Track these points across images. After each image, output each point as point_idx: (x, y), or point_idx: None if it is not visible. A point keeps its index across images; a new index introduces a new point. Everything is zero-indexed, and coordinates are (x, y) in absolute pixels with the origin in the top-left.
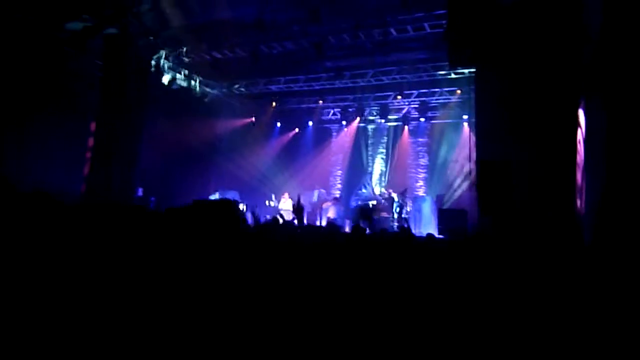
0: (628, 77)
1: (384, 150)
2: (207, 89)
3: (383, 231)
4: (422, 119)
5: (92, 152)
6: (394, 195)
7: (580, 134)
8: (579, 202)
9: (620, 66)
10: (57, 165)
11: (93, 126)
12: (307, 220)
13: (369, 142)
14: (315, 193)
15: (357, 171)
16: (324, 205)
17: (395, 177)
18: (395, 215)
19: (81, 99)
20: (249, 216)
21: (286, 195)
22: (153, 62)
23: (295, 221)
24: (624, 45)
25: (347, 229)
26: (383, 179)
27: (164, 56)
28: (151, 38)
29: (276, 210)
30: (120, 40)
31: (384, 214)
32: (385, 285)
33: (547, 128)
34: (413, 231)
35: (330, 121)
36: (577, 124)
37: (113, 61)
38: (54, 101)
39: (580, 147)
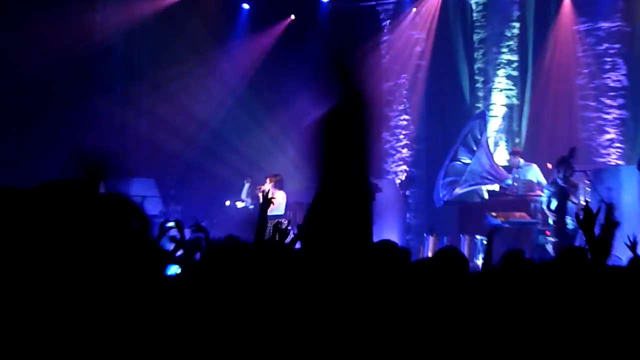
0: None
1: (514, 58)
2: None
3: (517, 256)
4: None
5: None
6: (535, 170)
7: None
8: None
9: None
10: None
11: None
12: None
13: (476, 37)
14: None
15: (448, 113)
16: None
17: (546, 122)
18: (550, 217)
19: None
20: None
21: (268, 181)
22: None
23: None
24: None
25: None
26: (514, 128)
27: None
28: None
29: (247, 214)
30: None
31: (522, 215)
32: None
33: None
34: (609, 258)
35: None
36: None
37: None
38: None
39: None
